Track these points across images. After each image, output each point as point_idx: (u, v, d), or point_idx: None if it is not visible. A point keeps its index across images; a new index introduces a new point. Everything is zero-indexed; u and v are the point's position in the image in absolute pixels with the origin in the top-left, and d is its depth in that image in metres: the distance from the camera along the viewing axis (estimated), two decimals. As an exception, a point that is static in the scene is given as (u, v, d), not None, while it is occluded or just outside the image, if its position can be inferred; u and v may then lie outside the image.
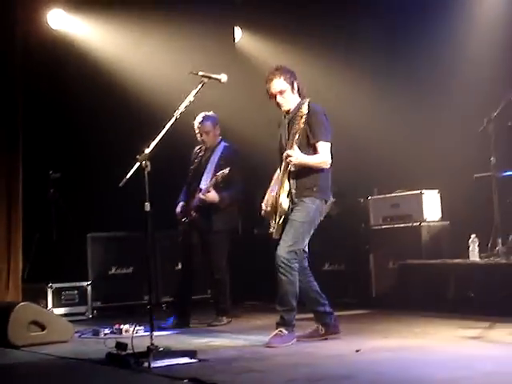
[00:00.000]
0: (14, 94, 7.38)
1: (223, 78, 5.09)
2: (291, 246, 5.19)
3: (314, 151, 5.27)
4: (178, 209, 6.85)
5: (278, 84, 5.32)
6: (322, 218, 5.38)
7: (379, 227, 7.73)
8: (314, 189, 5.26)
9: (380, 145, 7.91)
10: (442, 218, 7.49)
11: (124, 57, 8.57)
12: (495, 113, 6.59)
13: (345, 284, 7.80)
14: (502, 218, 6.59)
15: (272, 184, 5.53)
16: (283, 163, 5.26)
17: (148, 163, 4.65)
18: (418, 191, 7.47)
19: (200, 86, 4.96)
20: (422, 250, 7.25)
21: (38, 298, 7.42)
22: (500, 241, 6.55)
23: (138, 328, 5.85)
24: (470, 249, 6.68)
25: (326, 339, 5.29)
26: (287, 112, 5.40)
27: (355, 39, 8.58)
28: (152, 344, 4.52)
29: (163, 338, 5.70)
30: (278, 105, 5.38)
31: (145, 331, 5.77)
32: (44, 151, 8.15)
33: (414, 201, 7.50)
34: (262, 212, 5.48)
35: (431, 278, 6.80)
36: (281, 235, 5.25)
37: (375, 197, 7.88)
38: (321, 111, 5.32)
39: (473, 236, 6.69)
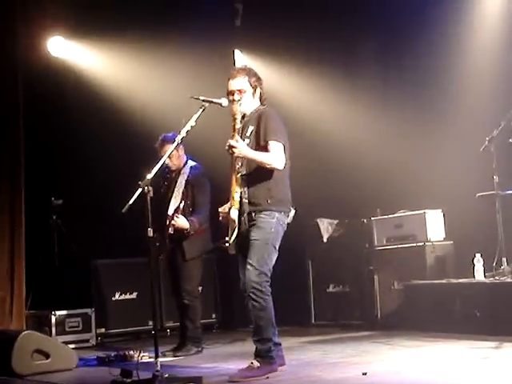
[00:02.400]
0: (16, 121, 7.40)
1: (224, 102, 5.05)
2: (259, 269, 4.83)
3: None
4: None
5: (240, 83, 5.07)
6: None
7: (383, 248, 7.69)
8: (269, 201, 4.89)
9: (382, 165, 7.90)
10: (446, 238, 7.46)
11: (125, 82, 8.57)
12: (496, 131, 6.60)
13: (349, 305, 7.76)
14: (506, 236, 6.55)
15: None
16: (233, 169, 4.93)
17: (150, 188, 4.65)
18: (421, 211, 7.44)
19: (201, 110, 4.94)
20: (427, 270, 7.21)
21: (42, 325, 7.37)
22: (505, 260, 6.53)
23: (142, 354, 5.81)
24: (476, 268, 6.64)
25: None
26: (242, 116, 5.07)
27: (356, 60, 8.60)
28: (157, 371, 4.48)
29: (169, 363, 5.67)
30: (233, 103, 5.02)
31: (150, 357, 5.74)
32: (46, 178, 8.15)
33: (417, 221, 7.47)
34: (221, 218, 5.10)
35: (436, 298, 6.75)
36: (237, 251, 4.97)
37: (378, 217, 7.85)
38: (274, 113, 5.03)
39: (478, 255, 6.65)
